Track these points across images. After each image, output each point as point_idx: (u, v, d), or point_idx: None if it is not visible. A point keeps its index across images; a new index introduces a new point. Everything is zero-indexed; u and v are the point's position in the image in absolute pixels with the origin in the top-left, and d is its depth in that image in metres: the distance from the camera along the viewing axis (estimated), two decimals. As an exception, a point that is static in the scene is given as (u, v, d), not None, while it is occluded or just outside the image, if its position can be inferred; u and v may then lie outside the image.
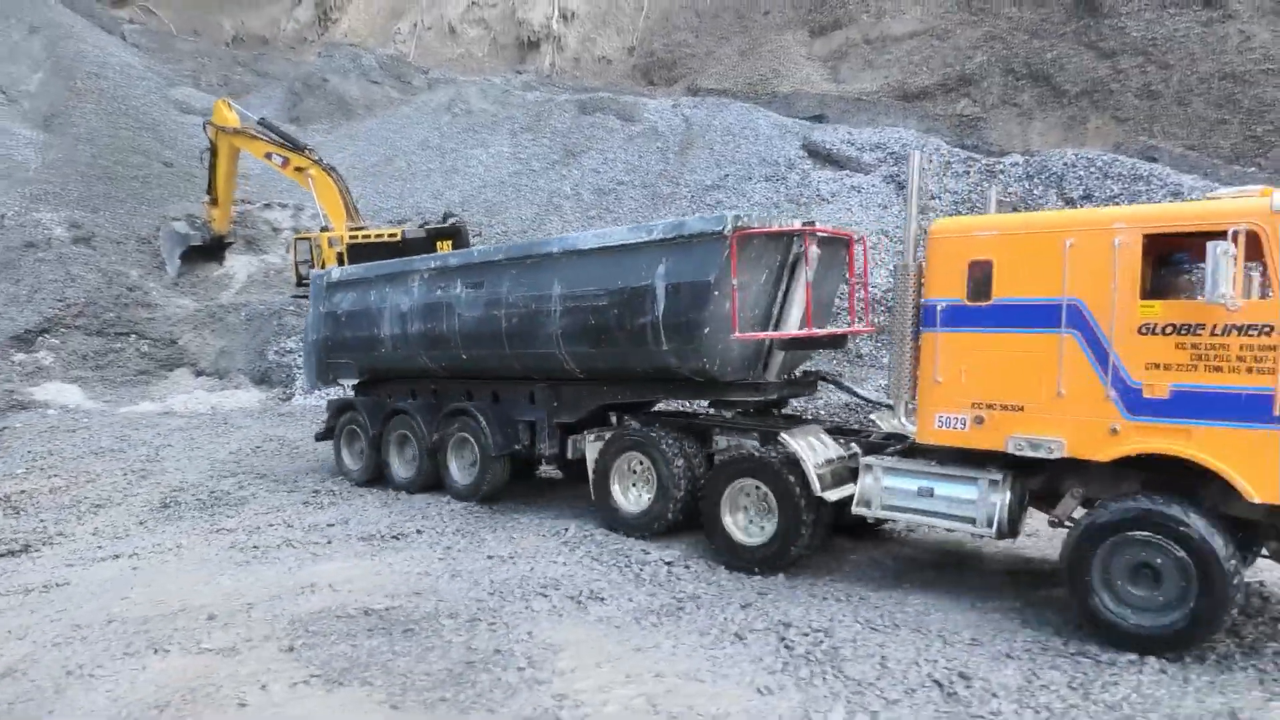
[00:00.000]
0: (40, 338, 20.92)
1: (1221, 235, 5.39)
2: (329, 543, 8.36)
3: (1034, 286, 6.28)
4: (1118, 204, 19.35)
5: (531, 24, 44.23)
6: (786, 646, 5.77)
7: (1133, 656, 5.63)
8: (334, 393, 13.64)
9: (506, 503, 10.12)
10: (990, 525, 6.45)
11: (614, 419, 9.74)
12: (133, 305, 22.64)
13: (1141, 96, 25.41)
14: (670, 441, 8.38)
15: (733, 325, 7.58)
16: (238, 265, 26.63)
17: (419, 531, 8.66)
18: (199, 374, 21.99)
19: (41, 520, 9.46)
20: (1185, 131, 24.18)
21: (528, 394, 9.92)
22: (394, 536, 8.49)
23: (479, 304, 9.73)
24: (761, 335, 8.02)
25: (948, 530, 7.44)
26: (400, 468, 10.97)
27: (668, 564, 7.52)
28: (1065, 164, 20.95)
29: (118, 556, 8.29)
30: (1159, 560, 5.65)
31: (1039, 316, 6.25)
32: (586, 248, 8.83)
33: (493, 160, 30.92)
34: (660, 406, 10.36)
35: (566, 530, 8.58)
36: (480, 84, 36.53)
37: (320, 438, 12.34)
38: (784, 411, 9.55)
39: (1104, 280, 5.96)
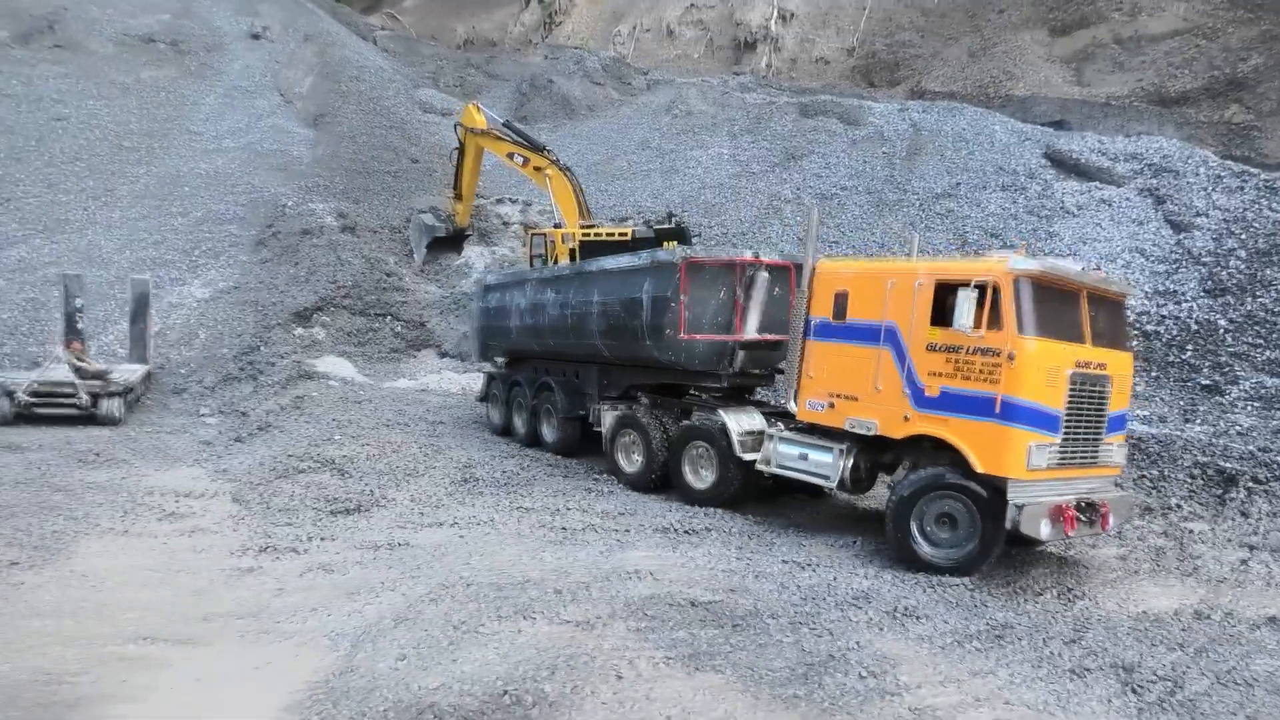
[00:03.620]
0: (315, 314, 23.50)
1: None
2: (627, 531, 8.96)
3: (870, 312, 8.74)
4: None
5: (749, 25, 44.42)
6: (1134, 691, 5.65)
7: None
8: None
9: (773, 513, 10.41)
10: (835, 482, 9.00)
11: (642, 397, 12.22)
12: (389, 289, 24.96)
13: None
14: (652, 419, 11.21)
15: (679, 328, 10.14)
16: (473, 255, 28.67)
17: (709, 529, 9.11)
18: (443, 355, 23.94)
19: (365, 484, 10.69)
20: None
21: (590, 374, 13.01)
22: (686, 531, 8.97)
23: (557, 305, 12.97)
24: (699, 336, 10.22)
25: (817, 484, 9.47)
26: (519, 424, 14.41)
27: (970, 590, 7.52)
28: (1361, 180, 18.71)
29: (441, 524, 9.27)
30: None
31: (870, 334, 8.69)
32: (611, 268, 11.84)
33: (712, 162, 31.37)
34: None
35: (855, 543, 8.74)
36: (699, 85, 37.14)
37: (479, 400, 16.53)
38: (752, 398, 12.28)
39: (908, 311, 8.37)
